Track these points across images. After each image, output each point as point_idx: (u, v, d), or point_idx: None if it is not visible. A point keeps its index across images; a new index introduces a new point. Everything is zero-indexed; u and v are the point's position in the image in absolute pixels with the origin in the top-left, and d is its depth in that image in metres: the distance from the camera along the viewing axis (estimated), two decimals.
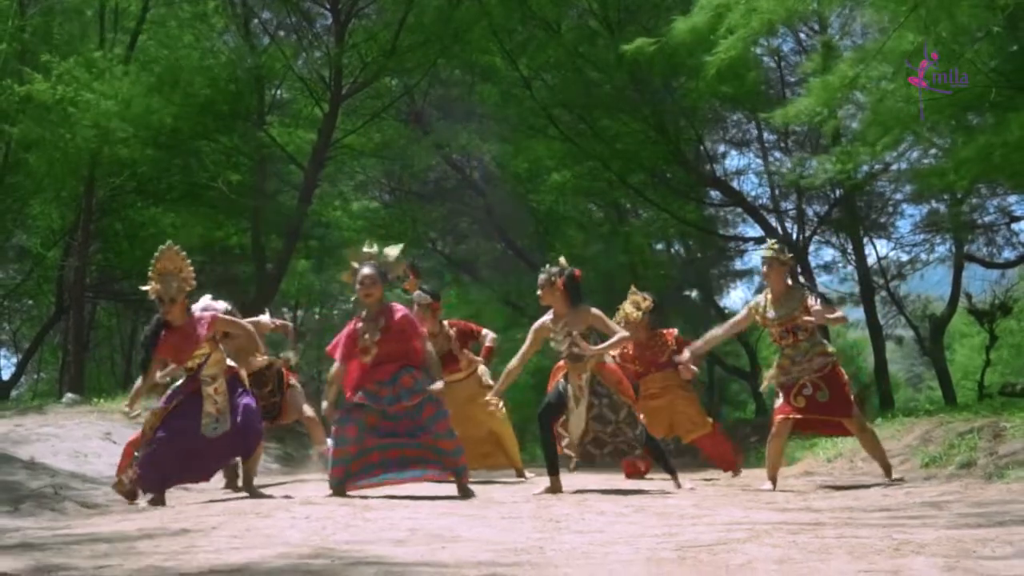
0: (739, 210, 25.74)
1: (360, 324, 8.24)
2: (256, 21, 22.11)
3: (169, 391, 8.43)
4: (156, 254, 8.46)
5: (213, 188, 21.90)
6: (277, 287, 21.97)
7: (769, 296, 9.06)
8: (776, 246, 9.25)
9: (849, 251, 24.12)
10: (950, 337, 31.47)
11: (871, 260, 24.01)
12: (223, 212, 22.50)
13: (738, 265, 30.63)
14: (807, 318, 8.71)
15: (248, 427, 8.27)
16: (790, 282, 9.08)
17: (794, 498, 7.65)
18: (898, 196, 23.60)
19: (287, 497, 8.16)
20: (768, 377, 9.07)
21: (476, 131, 23.30)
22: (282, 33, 22.79)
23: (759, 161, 26.11)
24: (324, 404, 8.58)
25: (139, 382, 8.71)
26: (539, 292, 8.75)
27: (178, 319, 8.33)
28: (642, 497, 7.78)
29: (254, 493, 8.27)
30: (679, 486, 8.85)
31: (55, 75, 17.18)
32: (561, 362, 8.76)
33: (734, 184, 26.04)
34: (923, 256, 25.12)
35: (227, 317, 8.68)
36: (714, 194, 25.44)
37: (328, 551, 4.85)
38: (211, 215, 22.65)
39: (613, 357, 9.37)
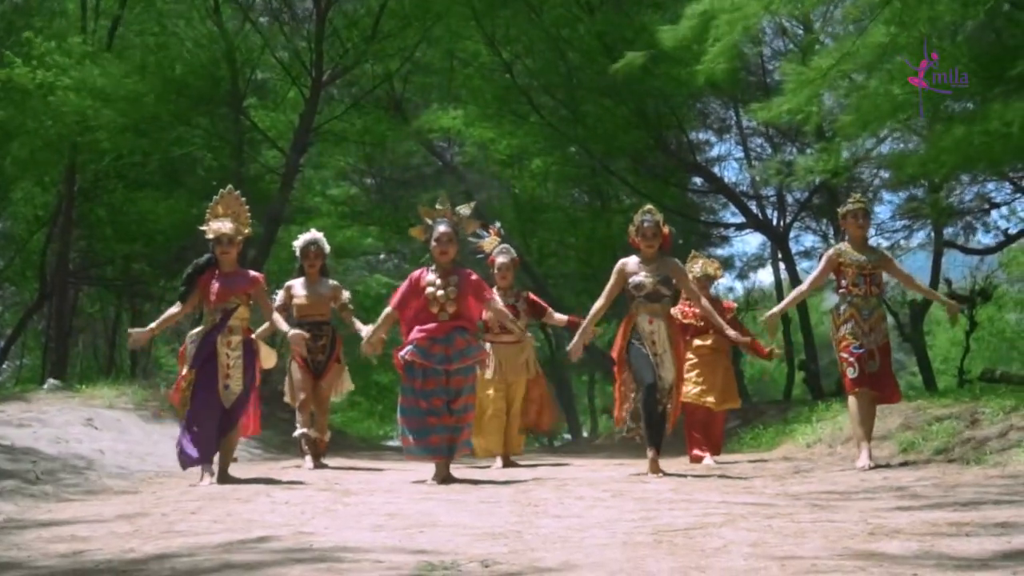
0: (721, 196, 25.72)
1: (429, 278, 8.20)
2: (235, 5, 21.90)
3: (190, 352, 8.36)
4: (216, 197, 8.54)
5: (193, 173, 21.80)
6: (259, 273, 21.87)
7: (849, 245, 9.15)
8: (863, 199, 9.44)
9: (830, 237, 24.13)
10: (929, 323, 31.53)
11: None
12: (204, 197, 22.40)
13: (720, 252, 30.60)
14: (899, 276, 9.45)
15: (247, 398, 8.32)
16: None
17: (772, 483, 7.69)
18: (877, 182, 23.63)
19: (268, 481, 8.17)
20: (836, 314, 9.18)
21: (457, 116, 23.20)
22: (260, 17, 22.63)
23: (740, 147, 26.11)
24: (364, 341, 8.53)
25: (174, 309, 8.55)
26: (641, 237, 8.70)
27: (228, 265, 8.35)
28: (621, 482, 7.80)
29: (228, 480, 8.20)
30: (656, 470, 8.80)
31: (35, 57, 17.06)
32: (630, 314, 8.76)
33: (715, 170, 26.07)
34: (902, 242, 25.17)
35: (265, 289, 8.66)
36: (696, 180, 25.42)
37: (306, 536, 4.88)
38: (192, 200, 22.54)
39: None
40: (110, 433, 11.20)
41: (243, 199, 8.64)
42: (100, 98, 17.41)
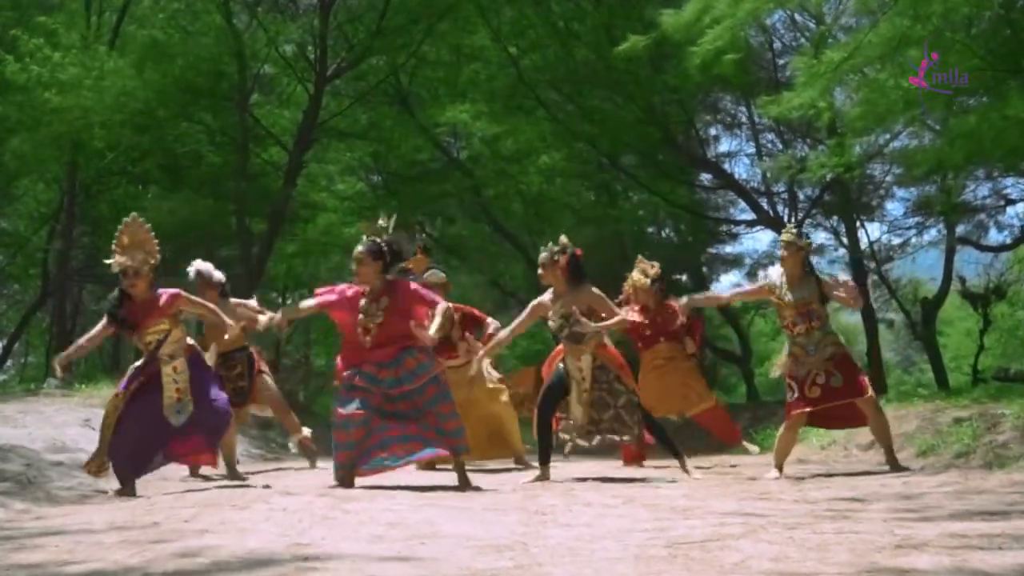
0: (730, 193, 25.51)
1: (362, 302, 7.76)
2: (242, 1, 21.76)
3: (129, 372, 8.16)
4: (120, 227, 8.20)
5: (196, 169, 21.63)
6: (263, 270, 21.71)
7: (785, 280, 8.81)
8: (794, 231, 9.10)
9: (842, 234, 23.91)
10: (940, 322, 31.34)
11: (862, 243, 23.76)
12: (207, 194, 22.32)
13: (729, 249, 30.44)
14: (836, 294, 8.72)
15: (215, 409, 8.04)
16: (806, 269, 8.95)
17: (789, 488, 7.43)
18: (889, 178, 23.41)
19: (266, 487, 7.95)
20: (779, 365, 8.83)
21: (464, 112, 23.03)
22: (263, 10, 22.47)
23: (751, 143, 25.88)
24: (275, 315, 8.35)
25: (83, 340, 8.38)
26: (540, 271, 8.54)
27: (141, 293, 8.06)
28: (631, 487, 7.53)
29: (236, 476, 8.00)
30: (687, 471, 8.67)
31: (26, 54, 16.84)
32: (560, 346, 8.55)
33: (725, 166, 25.84)
34: (913, 240, 24.97)
35: (189, 296, 8.40)
36: (705, 176, 25.22)
37: (301, 547, 4.64)
38: (194, 197, 22.42)
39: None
40: None
41: (148, 226, 8.27)
42: (95, 93, 17.14)
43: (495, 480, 8.78)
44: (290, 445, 10.42)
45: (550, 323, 8.48)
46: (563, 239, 8.67)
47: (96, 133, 18.11)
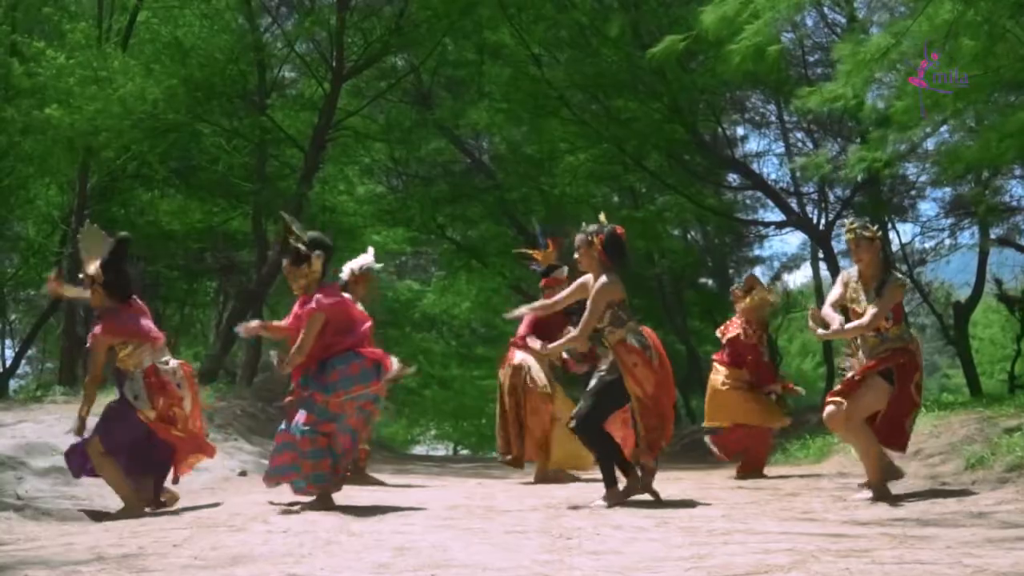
0: (759, 194, 24.93)
1: None
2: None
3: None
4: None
5: (212, 172, 21.21)
6: (278, 273, 21.18)
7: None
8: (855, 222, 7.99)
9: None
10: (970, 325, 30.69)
11: (894, 245, 23.13)
12: (223, 196, 21.88)
13: (757, 251, 29.90)
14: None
15: None
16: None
17: (833, 506, 6.85)
18: (923, 178, 22.81)
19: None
20: None
21: (486, 111, 22.54)
22: (284, 10, 22.09)
23: (780, 143, 25.28)
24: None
25: None
26: (576, 255, 7.55)
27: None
28: (664, 507, 6.84)
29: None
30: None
31: (30, 58, 16.41)
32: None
33: (754, 167, 25.27)
34: (947, 241, 24.34)
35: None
36: (733, 177, 24.68)
37: None
38: (210, 200, 21.99)
39: None
40: None
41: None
42: (101, 100, 16.69)
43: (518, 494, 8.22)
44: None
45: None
46: (602, 217, 7.96)
47: (103, 139, 17.63)
